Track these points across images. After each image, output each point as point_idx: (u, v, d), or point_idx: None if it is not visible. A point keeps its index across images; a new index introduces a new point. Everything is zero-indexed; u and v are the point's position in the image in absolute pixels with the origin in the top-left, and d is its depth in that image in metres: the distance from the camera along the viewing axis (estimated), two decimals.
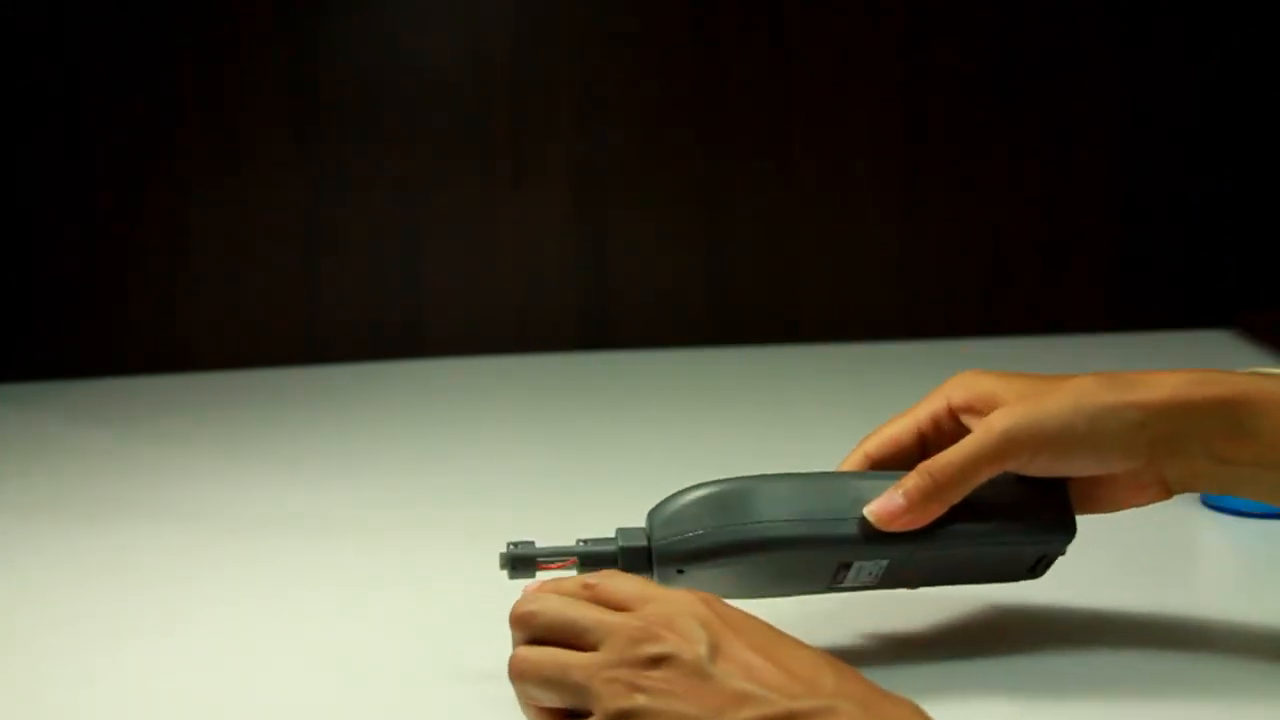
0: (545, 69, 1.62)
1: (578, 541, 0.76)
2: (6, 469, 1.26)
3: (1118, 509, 0.77)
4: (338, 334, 1.63)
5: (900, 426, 0.78)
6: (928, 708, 0.62)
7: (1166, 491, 0.75)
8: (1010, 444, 0.72)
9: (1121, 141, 1.65)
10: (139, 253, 1.60)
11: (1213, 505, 0.99)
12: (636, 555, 0.75)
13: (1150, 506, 0.77)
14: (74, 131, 1.58)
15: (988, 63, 1.64)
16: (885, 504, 0.73)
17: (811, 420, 1.34)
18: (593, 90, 1.63)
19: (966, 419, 0.76)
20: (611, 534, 0.76)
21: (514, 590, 0.74)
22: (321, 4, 1.60)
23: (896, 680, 0.67)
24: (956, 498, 0.73)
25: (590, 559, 0.75)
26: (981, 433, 0.72)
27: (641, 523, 0.76)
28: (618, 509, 0.81)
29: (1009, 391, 0.74)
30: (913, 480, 0.73)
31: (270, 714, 0.77)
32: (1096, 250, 1.66)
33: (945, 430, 0.77)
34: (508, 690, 0.69)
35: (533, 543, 0.76)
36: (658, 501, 0.75)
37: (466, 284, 1.64)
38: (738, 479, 0.75)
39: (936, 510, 0.73)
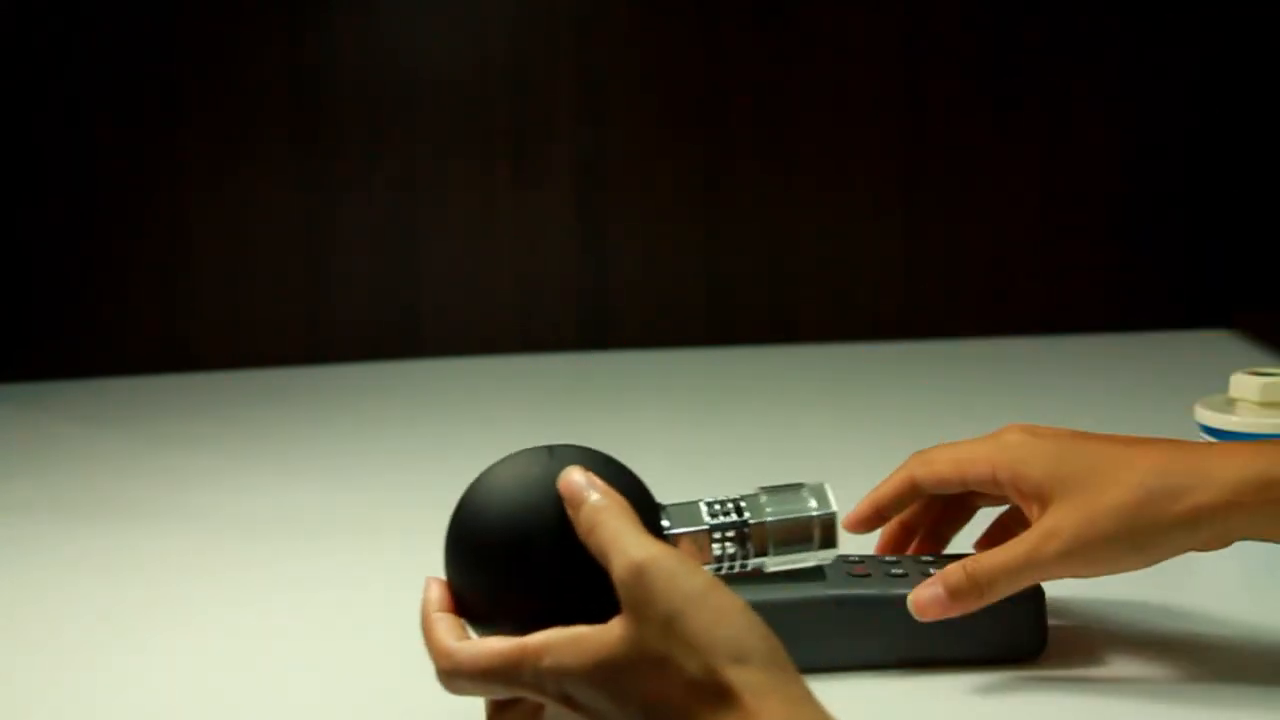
0: (545, 69, 1.62)
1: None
2: (6, 469, 1.26)
3: None
4: (338, 334, 1.63)
5: (949, 478, 0.77)
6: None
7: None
8: (1055, 570, 0.72)
9: (1121, 142, 1.65)
10: (139, 253, 1.60)
11: None
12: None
13: None
14: (74, 131, 1.58)
15: (987, 63, 1.64)
16: (926, 595, 0.73)
17: (811, 421, 1.34)
18: (593, 90, 1.63)
19: (1013, 497, 0.76)
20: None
21: None
22: (322, 3, 1.60)
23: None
24: (995, 599, 0.73)
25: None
26: (1030, 547, 0.72)
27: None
28: None
29: (1056, 484, 0.73)
30: (955, 577, 0.72)
31: (271, 714, 0.77)
32: (1096, 250, 1.66)
33: (995, 490, 0.77)
34: None
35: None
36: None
37: (466, 284, 1.64)
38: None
39: (973, 607, 0.73)
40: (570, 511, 0.63)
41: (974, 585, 0.72)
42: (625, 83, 1.63)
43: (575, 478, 0.64)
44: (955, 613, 0.72)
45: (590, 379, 1.54)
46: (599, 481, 0.64)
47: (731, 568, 0.67)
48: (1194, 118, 1.65)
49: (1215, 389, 0.97)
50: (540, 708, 0.65)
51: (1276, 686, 0.74)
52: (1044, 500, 0.73)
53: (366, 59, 1.61)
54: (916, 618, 0.73)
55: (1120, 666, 0.77)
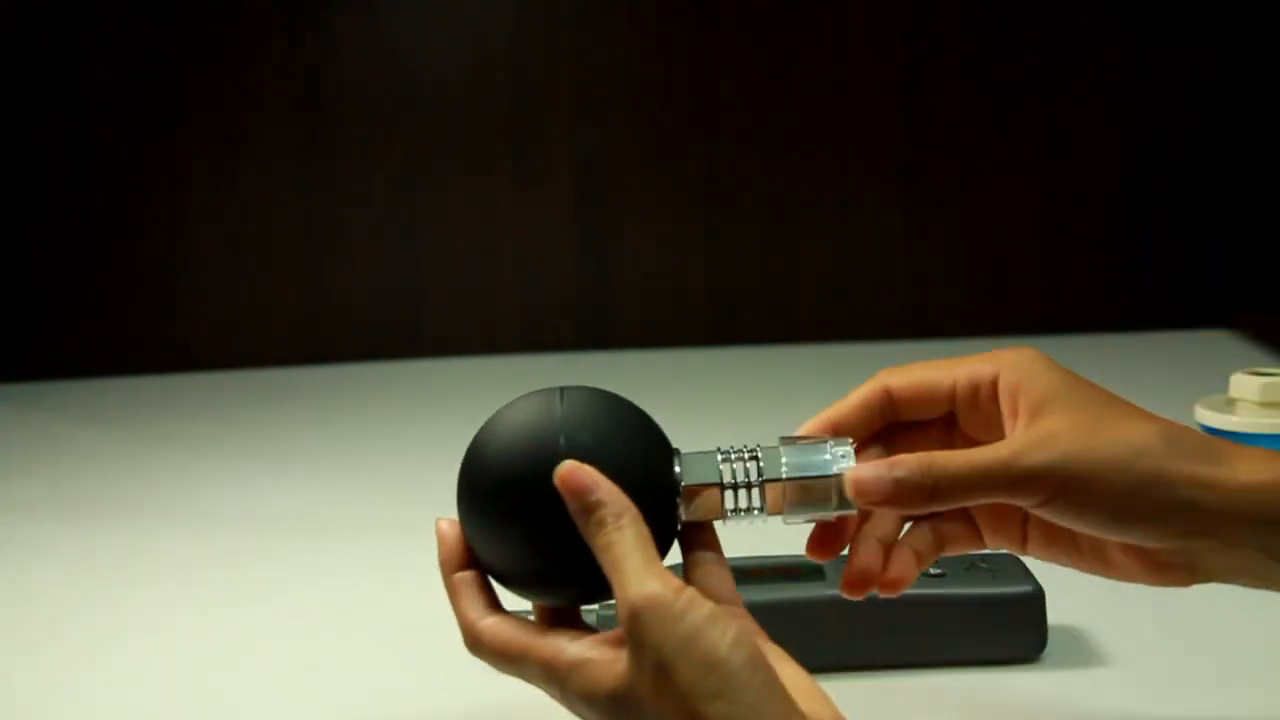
0: (545, 69, 1.62)
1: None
2: (6, 469, 1.26)
3: (1122, 579, 0.65)
4: (338, 334, 1.63)
5: (933, 378, 0.68)
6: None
7: (1190, 578, 0.64)
8: (1030, 483, 0.61)
9: (1121, 141, 1.65)
10: (139, 253, 1.60)
11: None
12: None
13: None
14: (74, 131, 1.58)
15: (987, 63, 1.64)
16: (871, 477, 0.63)
17: None
18: (593, 90, 1.63)
19: (1005, 402, 0.65)
20: None
21: None
22: (322, 3, 1.60)
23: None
24: (945, 508, 0.64)
25: None
26: (1001, 457, 0.62)
27: None
28: None
29: (1064, 404, 0.63)
30: (909, 468, 0.62)
31: (271, 714, 0.77)
32: (1096, 250, 1.66)
33: (981, 400, 0.67)
34: (510, 685, 0.69)
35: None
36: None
37: (466, 284, 1.64)
38: None
39: (917, 510, 0.64)
40: (575, 516, 0.61)
41: (927, 480, 0.62)
42: (625, 83, 1.63)
43: (578, 478, 0.62)
44: (895, 506, 0.63)
45: (590, 379, 1.53)
46: (603, 483, 0.62)
47: (748, 519, 0.66)
48: (1194, 118, 1.65)
49: (1215, 389, 0.97)
50: None
51: (1276, 686, 0.74)
52: (1038, 415, 0.63)
53: (366, 59, 1.61)
54: (853, 500, 0.63)
55: (1120, 666, 0.77)
